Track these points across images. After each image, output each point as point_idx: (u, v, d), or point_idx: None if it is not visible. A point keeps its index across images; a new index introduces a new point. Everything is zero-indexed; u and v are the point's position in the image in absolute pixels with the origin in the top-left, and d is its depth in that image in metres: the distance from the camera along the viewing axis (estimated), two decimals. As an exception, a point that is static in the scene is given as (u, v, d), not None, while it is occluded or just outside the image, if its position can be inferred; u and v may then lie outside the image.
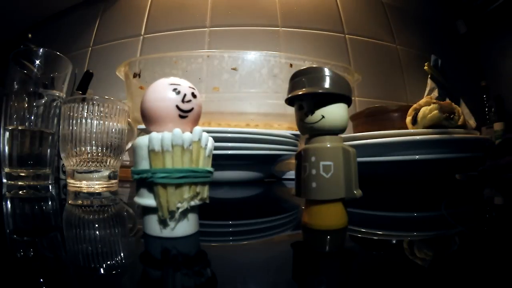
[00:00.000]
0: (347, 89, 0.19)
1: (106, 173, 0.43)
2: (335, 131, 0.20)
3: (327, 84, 0.18)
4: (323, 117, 0.19)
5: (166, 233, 0.17)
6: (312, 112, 0.19)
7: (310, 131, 0.20)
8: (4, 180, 0.44)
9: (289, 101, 0.21)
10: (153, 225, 0.17)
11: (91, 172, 0.42)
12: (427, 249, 0.17)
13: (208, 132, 0.19)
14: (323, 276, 0.13)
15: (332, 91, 0.19)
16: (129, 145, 0.51)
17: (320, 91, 0.18)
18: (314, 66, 0.20)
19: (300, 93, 0.19)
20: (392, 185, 0.48)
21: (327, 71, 0.19)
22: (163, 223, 0.17)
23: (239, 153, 0.49)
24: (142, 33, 0.91)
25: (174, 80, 0.17)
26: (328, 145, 0.19)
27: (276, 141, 0.53)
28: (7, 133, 0.44)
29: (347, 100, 0.20)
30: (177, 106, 0.17)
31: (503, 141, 0.53)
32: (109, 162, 0.43)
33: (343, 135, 0.21)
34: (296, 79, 0.20)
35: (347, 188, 0.19)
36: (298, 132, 0.58)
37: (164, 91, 0.17)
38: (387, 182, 0.49)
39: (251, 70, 0.59)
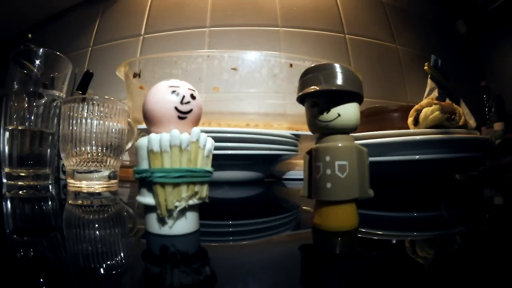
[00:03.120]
0: (361, 87, 0.19)
1: (106, 173, 0.43)
2: (347, 130, 0.19)
3: (345, 82, 0.18)
4: (339, 115, 0.18)
5: (165, 231, 0.17)
6: (328, 110, 0.18)
7: (323, 129, 0.19)
8: (4, 180, 0.44)
9: (301, 99, 0.20)
10: (153, 223, 0.17)
11: (91, 172, 0.42)
12: (427, 249, 0.17)
13: (208, 132, 0.19)
14: (323, 276, 0.13)
15: (351, 89, 0.18)
16: (129, 145, 0.51)
17: (340, 88, 0.18)
18: (327, 62, 0.19)
19: (318, 89, 0.18)
20: (392, 185, 0.48)
21: (342, 68, 0.18)
22: (162, 221, 0.17)
23: (239, 153, 0.49)
24: (142, 33, 0.91)
25: (174, 83, 0.18)
26: (343, 144, 0.19)
27: (276, 141, 0.53)
28: (7, 133, 0.44)
29: (361, 99, 0.19)
30: (176, 108, 0.17)
31: (503, 141, 0.53)
32: (109, 162, 0.43)
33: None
34: (310, 75, 0.19)
35: (361, 188, 0.18)
36: (298, 132, 0.58)
37: (163, 93, 0.17)
38: (387, 182, 0.49)
39: (251, 70, 0.59)
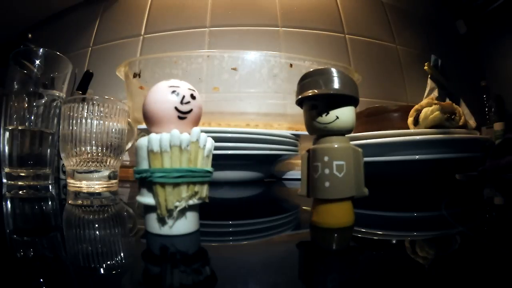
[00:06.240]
0: (357, 91, 0.20)
1: (106, 173, 0.43)
2: (343, 132, 0.20)
3: (343, 86, 0.19)
4: (337, 117, 0.19)
5: (165, 230, 0.17)
6: (327, 113, 0.19)
7: (321, 131, 0.20)
8: (4, 180, 0.44)
9: (299, 101, 0.21)
10: (153, 223, 0.17)
11: (91, 172, 0.42)
12: (427, 249, 0.17)
13: (208, 132, 0.19)
14: (324, 275, 0.13)
15: (349, 93, 0.19)
16: (129, 145, 0.51)
17: (339, 92, 0.19)
18: (325, 67, 0.20)
19: (318, 92, 0.19)
20: (392, 185, 0.48)
21: (340, 73, 0.19)
22: (162, 221, 0.17)
23: (239, 153, 0.49)
24: (142, 33, 0.91)
25: (174, 83, 0.18)
26: (340, 145, 0.19)
27: (276, 141, 0.53)
28: (7, 133, 0.44)
29: (357, 102, 0.20)
30: (176, 108, 0.17)
31: (503, 141, 0.53)
32: (109, 162, 0.43)
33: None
34: (309, 79, 0.20)
35: (357, 187, 0.19)
36: (298, 132, 0.58)
37: (163, 93, 0.17)
38: (387, 182, 0.49)
39: (251, 70, 0.59)
